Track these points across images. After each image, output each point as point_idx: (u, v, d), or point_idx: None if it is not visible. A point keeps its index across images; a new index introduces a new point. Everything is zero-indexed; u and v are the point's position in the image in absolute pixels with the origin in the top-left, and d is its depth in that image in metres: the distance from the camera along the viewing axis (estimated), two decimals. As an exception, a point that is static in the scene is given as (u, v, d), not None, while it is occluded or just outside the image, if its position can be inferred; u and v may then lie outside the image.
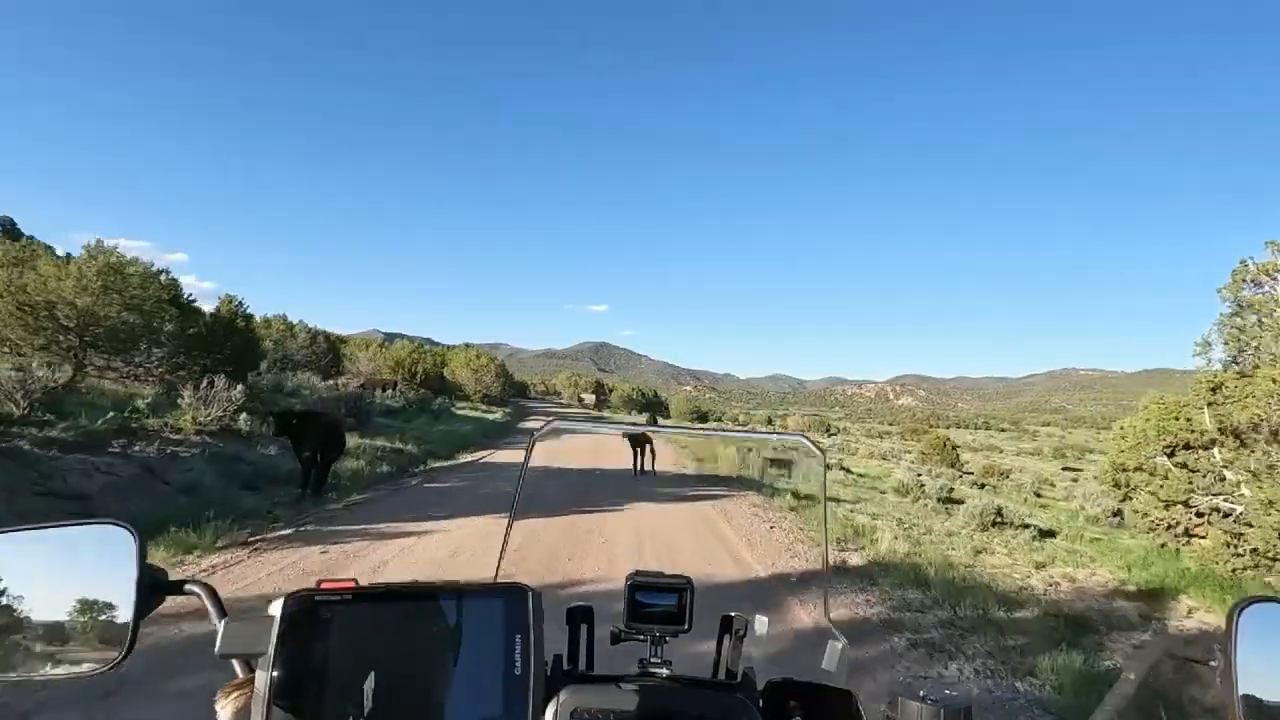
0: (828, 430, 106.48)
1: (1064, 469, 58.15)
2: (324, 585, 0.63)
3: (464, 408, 36.10)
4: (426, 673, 0.62)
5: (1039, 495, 30.28)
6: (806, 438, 1.15)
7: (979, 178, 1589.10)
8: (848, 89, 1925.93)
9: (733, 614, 1.16)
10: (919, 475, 33.55)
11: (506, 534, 1.27)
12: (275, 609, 0.61)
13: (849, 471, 29.77)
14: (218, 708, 0.65)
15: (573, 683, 0.98)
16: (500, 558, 1.20)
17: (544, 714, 0.92)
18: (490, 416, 31.99)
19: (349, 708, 0.59)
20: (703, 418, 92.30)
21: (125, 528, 0.74)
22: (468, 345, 45.33)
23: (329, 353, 37.57)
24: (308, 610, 0.61)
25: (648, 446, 15.16)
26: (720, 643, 1.18)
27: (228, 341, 17.66)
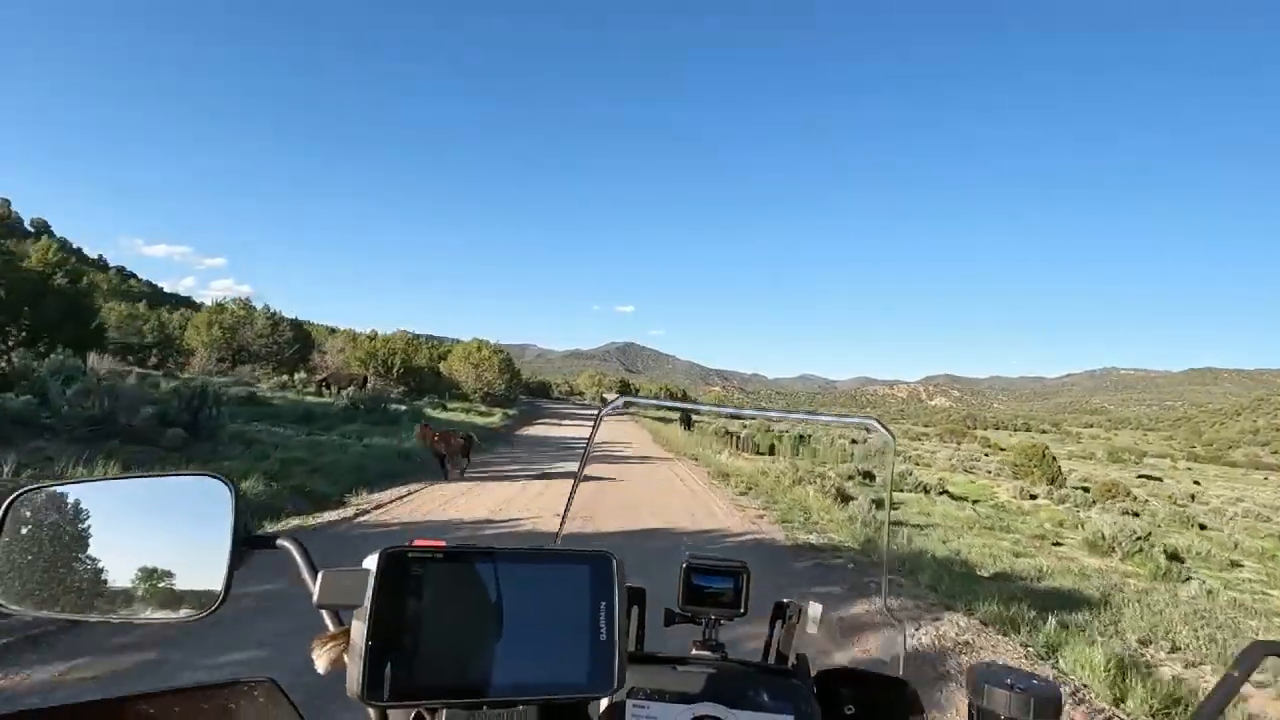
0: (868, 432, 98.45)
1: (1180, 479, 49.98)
2: (417, 543, 0.64)
3: (456, 408, 29.86)
4: (514, 634, 0.62)
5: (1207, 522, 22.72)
6: (878, 421, 1.10)
7: (1014, 177, 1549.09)
8: (881, 91, 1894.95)
9: (786, 600, 1.14)
10: (1032, 496, 26.57)
11: (570, 497, 1.20)
12: (370, 563, 0.61)
13: (950, 496, 22.76)
14: (314, 656, 0.65)
15: (630, 662, 0.85)
16: (562, 523, 1.18)
17: (624, 683, 0.84)
18: (485, 421, 25.57)
19: (441, 663, 0.60)
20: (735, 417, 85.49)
21: (223, 480, 0.76)
22: (481, 344, 39.23)
23: (295, 343, 31.53)
24: (401, 566, 0.61)
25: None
26: (772, 628, 1.15)
27: (35, 303, 11.38)
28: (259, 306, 32.28)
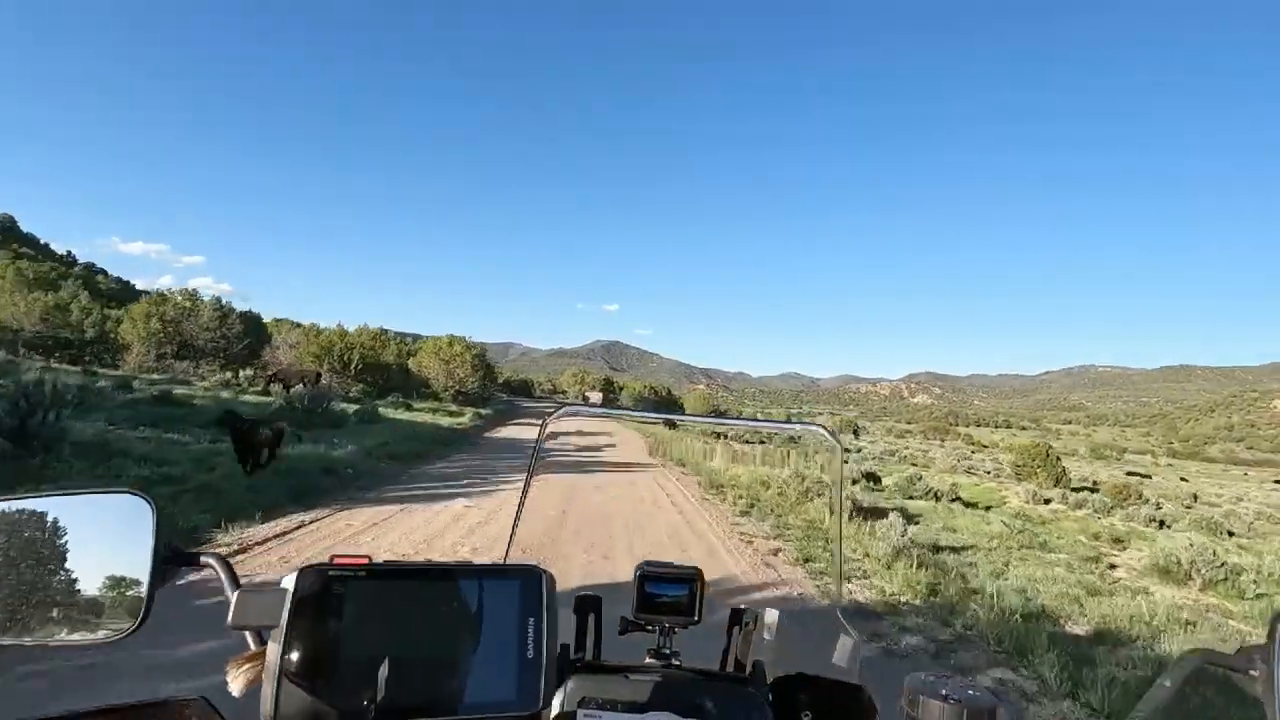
0: (855, 432, 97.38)
1: (1177, 477, 48.74)
2: (337, 560, 0.63)
3: (423, 408, 27.41)
4: (438, 652, 0.61)
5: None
6: (823, 427, 1.11)
7: (993, 176, 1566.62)
8: (862, 90, 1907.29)
9: (743, 606, 1.13)
10: (1046, 500, 24.69)
11: (516, 518, 1.22)
12: (288, 582, 0.60)
13: (963, 503, 20.76)
14: (229, 679, 0.63)
15: (581, 671, 0.96)
16: (510, 540, 1.17)
17: (552, 701, 0.88)
18: (451, 422, 23.18)
19: (359, 684, 0.58)
20: (720, 415, 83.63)
21: (144, 498, 0.75)
22: (453, 339, 36.65)
23: (245, 336, 28.87)
24: (321, 584, 0.60)
25: None
26: (730, 635, 1.14)
27: None
28: (208, 298, 29.55)
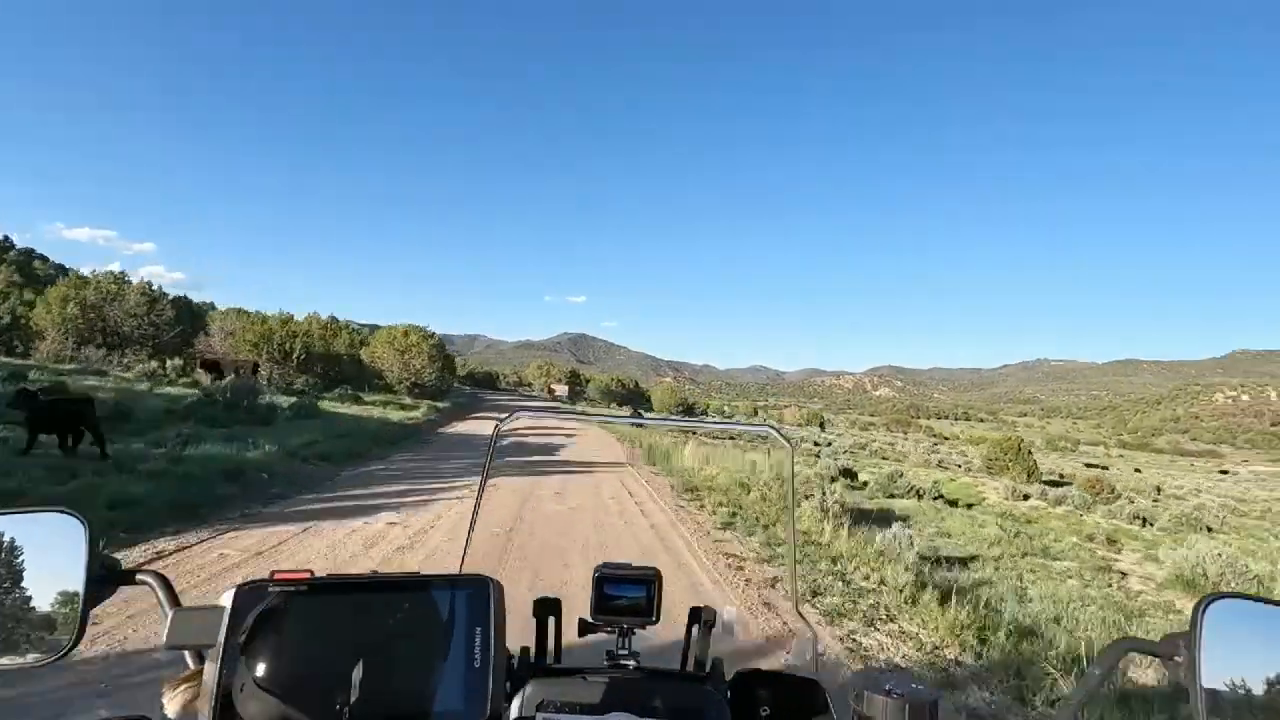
0: (822, 425, 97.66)
1: (1133, 470, 49.37)
2: (278, 576, 0.62)
3: (374, 401, 25.55)
4: (383, 666, 0.60)
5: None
6: (775, 429, 1.16)
7: (952, 172, 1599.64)
8: (820, 85, 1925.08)
9: (701, 605, 1.15)
10: (1025, 496, 24.04)
11: (471, 527, 1.22)
12: (225, 599, 0.60)
13: (945, 500, 19.86)
14: (164, 700, 0.61)
15: (539, 675, 0.97)
16: (465, 550, 1.18)
17: (509, 707, 0.93)
18: (402, 416, 21.47)
19: (301, 701, 0.57)
20: (689, 410, 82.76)
21: (75, 516, 0.74)
22: (410, 328, 34.59)
23: (177, 324, 26.55)
24: (259, 601, 0.60)
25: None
26: (689, 634, 1.16)
27: None
28: (136, 280, 27.09)
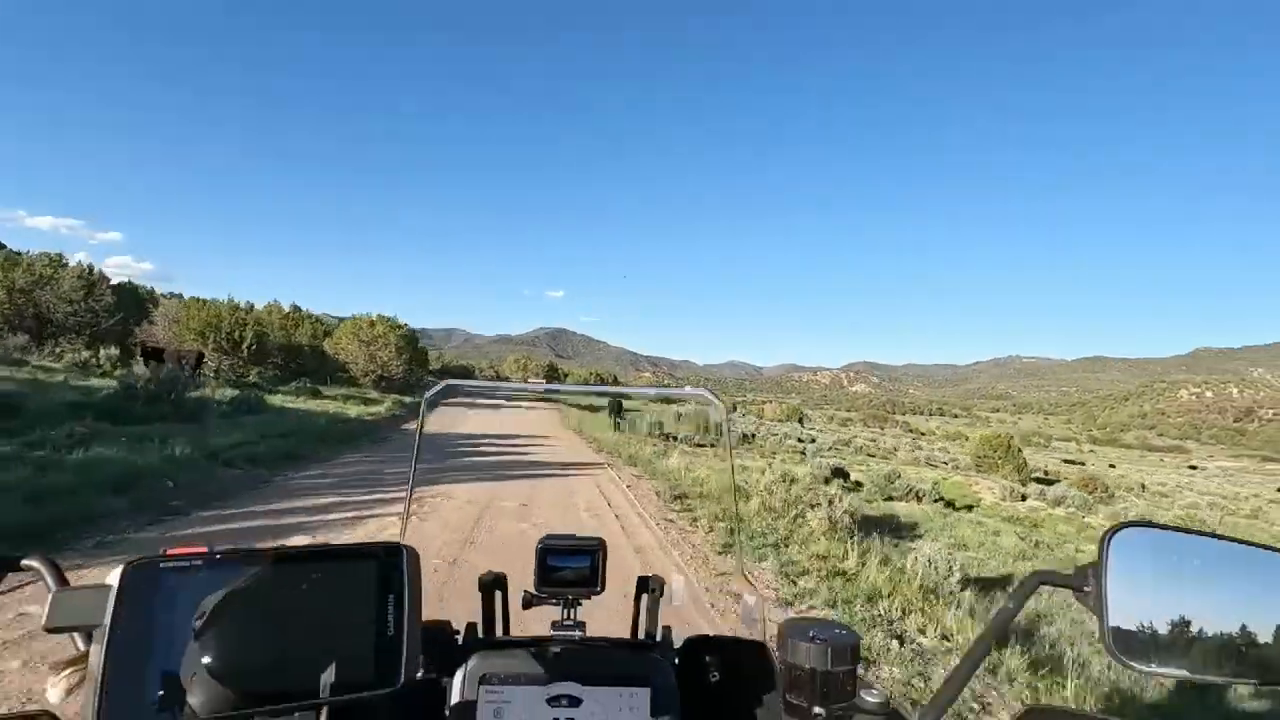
0: (801, 420, 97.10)
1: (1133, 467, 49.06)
2: (171, 552, 0.58)
3: (334, 395, 23.79)
4: (288, 641, 0.57)
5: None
6: (709, 391, 1.16)
7: (927, 173, 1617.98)
8: (800, 81, 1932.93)
9: (649, 575, 1.14)
10: (1022, 497, 23.08)
11: (408, 501, 1.22)
12: (113, 577, 0.56)
13: (948, 504, 18.64)
14: (48, 686, 0.57)
15: (483, 649, 0.97)
16: (404, 524, 1.17)
17: (451, 682, 0.92)
18: (361, 412, 19.80)
19: (198, 681, 0.53)
20: (667, 403, 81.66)
21: None
22: (377, 318, 32.64)
23: (117, 310, 24.48)
24: (150, 579, 0.56)
25: None
26: (638, 603, 1.16)
27: None
28: (74, 263, 24.96)
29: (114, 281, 26.90)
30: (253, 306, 29.59)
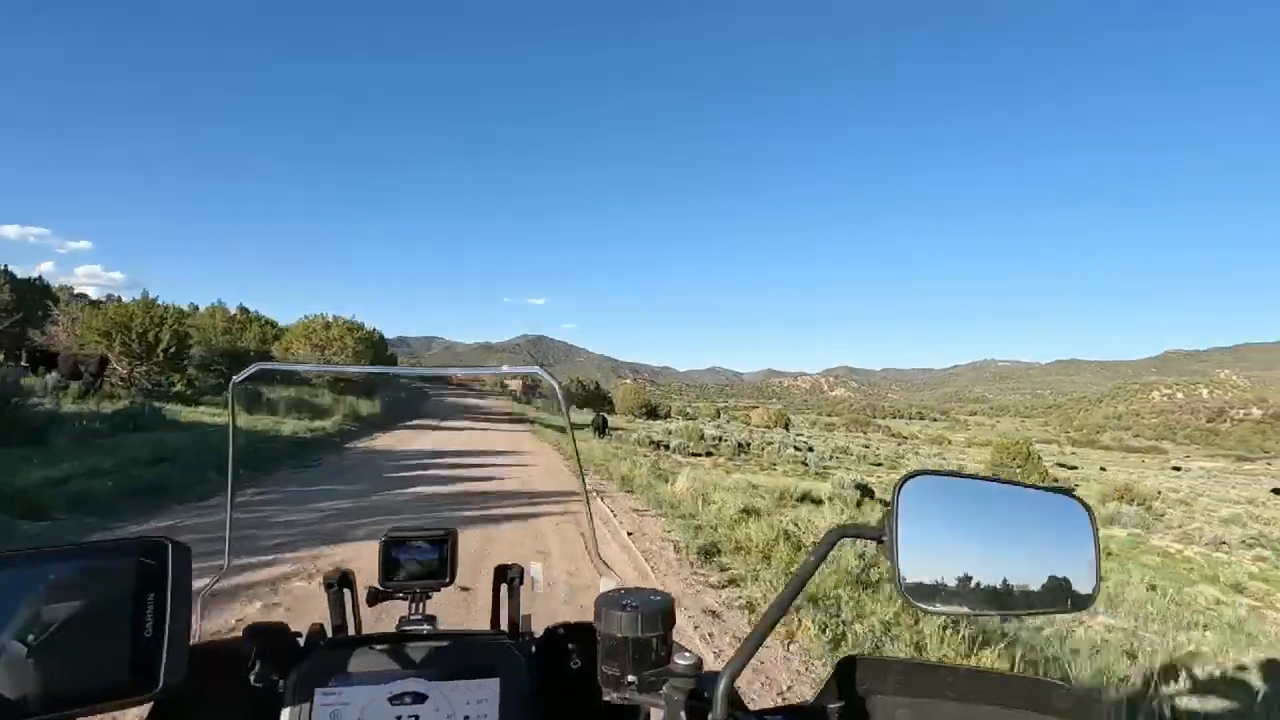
0: (787, 425, 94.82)
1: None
2: None
3: (281, 404, 20.52)
4: (38, 645, 0.53)
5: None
6: (543, 371, 1.11)
7: (901, 175, 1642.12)
8: (778, 84, 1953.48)
9: (507, 564, 1.13)
10: None
11: (229, 513, 1.09)
12: None
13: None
14: None
15: (324, 648, 0.93)
16: (228, 541, 1.07)
17: (283, 683, 0.88)
18: (297, 429, 16.60)
19: None
20: (652, 411, 78.78)
21: None
22: (333, 319, 29.28)
23: (14, 311, 20.99)
24: None
25: None
26: (496, 593, 1.13)
27: None
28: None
29: (79, 289, 23.43)
30: (197, 308, 26.15)
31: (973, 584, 0.70)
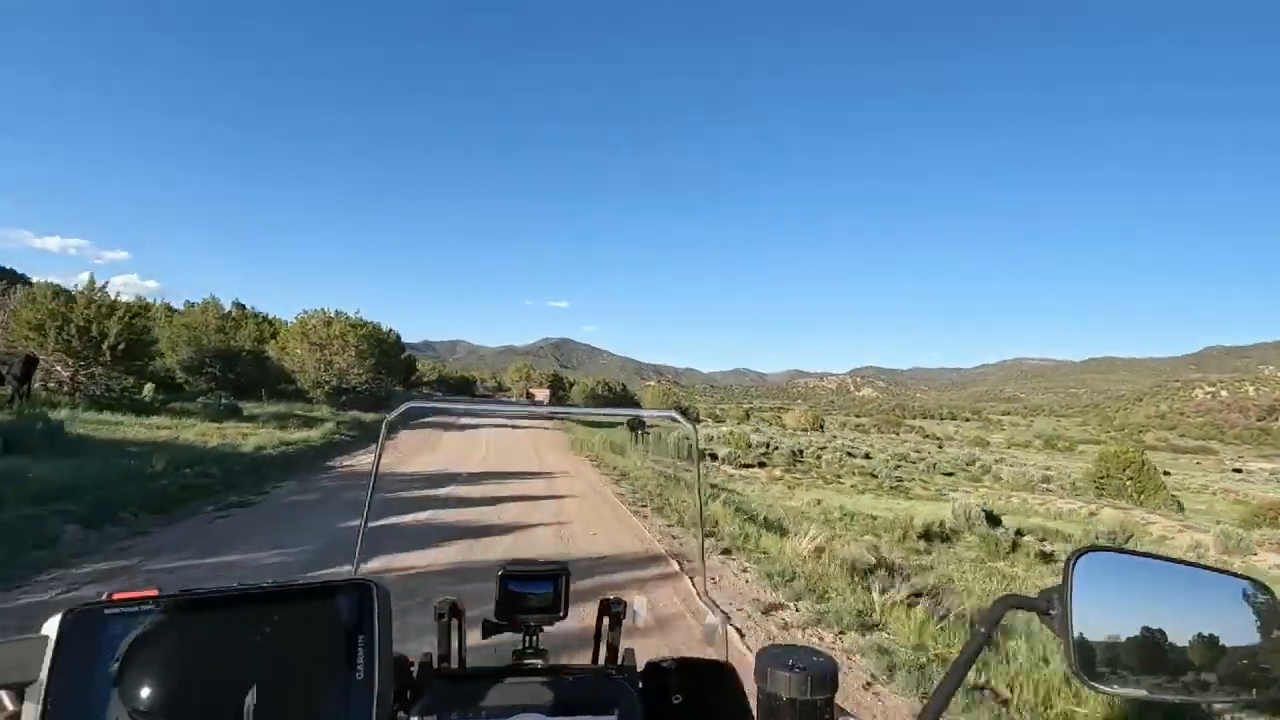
0: (821, 427, 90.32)
1: None
2: (117, 596, 0.54)
3: (269, 413, 17.19)
4: (254, 687, 0.53)
5: None
6: (679, 414, 1.18)
7: (928, 174, 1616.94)
8: (803, 84, 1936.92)
9: (610, 596, 1.14)
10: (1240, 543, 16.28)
11: (361, 531, 1.13)
12: (50, 627, 0.52)
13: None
14: None
15: (440, 681, 0.94)
16: (357, 555, 1.10)
17: (407, 718, 0.89)
18: (262, 440, 13.21)
19: None
20: (682, 413, 74.74)
21: None
22: (335, 316, 26.12)
23: None
24: (94, 627, 0.52)
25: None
26: (599, 627, 1.14)
27: None
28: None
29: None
30: (93, 293, 22.94)
31: (1149, 664, 0.69)
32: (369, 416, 20.50)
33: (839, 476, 26.14)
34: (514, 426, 23.74)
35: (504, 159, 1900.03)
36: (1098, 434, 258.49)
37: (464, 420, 21.58)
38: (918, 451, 51.34)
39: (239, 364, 23.98)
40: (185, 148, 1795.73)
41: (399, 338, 41.92)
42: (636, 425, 24.62)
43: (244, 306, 29.05)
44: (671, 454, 19.44)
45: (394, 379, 31.03)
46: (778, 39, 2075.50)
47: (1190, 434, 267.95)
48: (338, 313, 25.08)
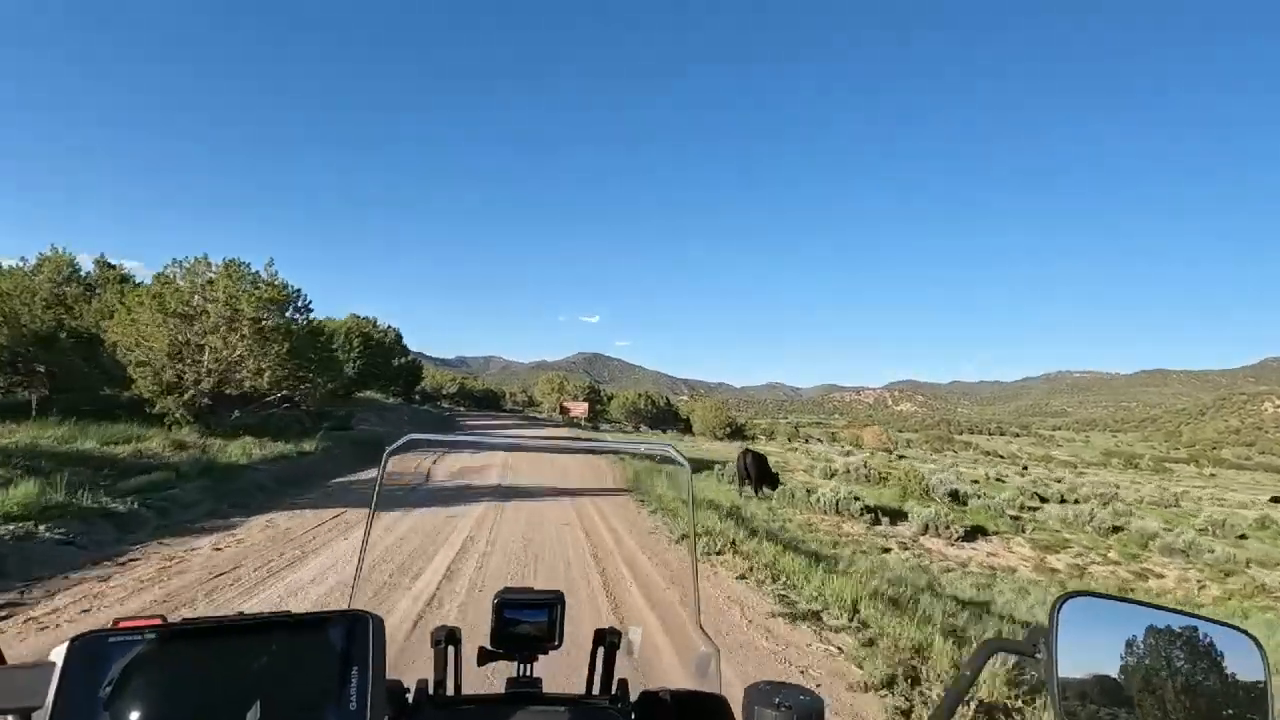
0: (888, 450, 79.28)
1: None
2: (122, 624, 0.55)
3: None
4: (246, 717, 0.54)
5: None
6: (672, 449, 1.16)
7: (971, 186, 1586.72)
8: (846, 98, 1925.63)
9: (605, 627, 1.13)
10: None
11: (360, 559, 1.16)
12: (57, 654, 0.53)
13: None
14: None
15: (433, 708, 0.95)
16: (355, 584, 1.13)
17: None
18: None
19: None
20: (738, 431, 65.19)
21: None
22: (229, 265, 17.93)
23: None
24: (99, 654, 0.53)
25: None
26: (594, 657, 1.13)
27: None
28: None
29: None
30: (22, 263, 14.22)
31: (1131, 708, 0.70)
32: (345, 431, 11.33)
33: (1064, 539, 16.17)
34: (545, 457, 15.31)
35: (539, 174, 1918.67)
36: (1164, 450, 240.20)
37: (469, 439, 12.82)
38: (1048, 472, 40.96)
39: (57, 353, 14.42)
40: (202, 154, 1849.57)
41: (399, 335, 33.01)
42: (761, 477, 16.68)
43: (112, 266, 19.74)
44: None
45: (390, 385, 21.91)
46: (811, 57, 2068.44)
47: (1273, 451, 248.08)
48: (228, 263, 15.17)
